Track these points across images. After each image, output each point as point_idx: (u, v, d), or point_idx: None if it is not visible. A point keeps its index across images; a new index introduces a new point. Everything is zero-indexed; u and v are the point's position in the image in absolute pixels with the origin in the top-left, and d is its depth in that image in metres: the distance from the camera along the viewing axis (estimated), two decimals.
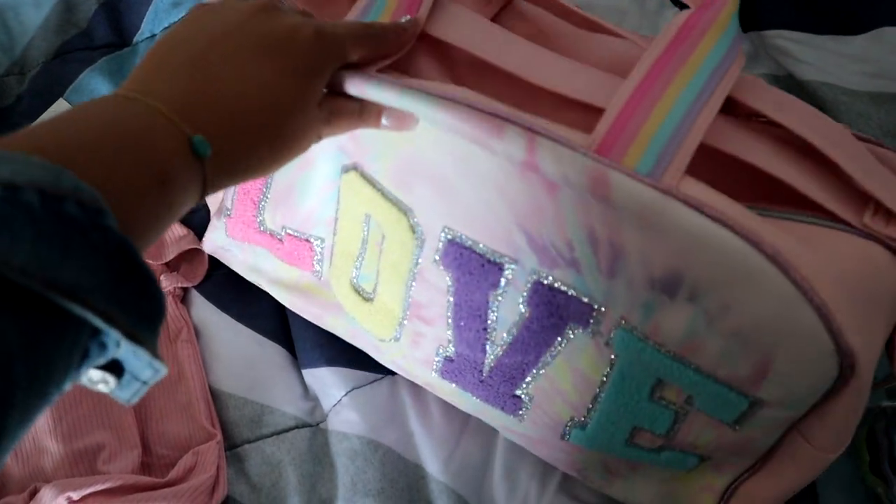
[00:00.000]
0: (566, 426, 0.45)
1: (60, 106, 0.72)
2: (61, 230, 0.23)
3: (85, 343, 0.25)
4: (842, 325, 0.34)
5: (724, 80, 0.37)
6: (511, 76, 0.41)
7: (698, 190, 0.35)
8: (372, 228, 0.46)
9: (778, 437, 0.42)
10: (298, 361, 0.60)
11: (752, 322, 0.35)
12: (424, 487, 0.55)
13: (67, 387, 0.25)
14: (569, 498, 0.53)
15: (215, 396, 0.60)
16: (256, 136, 0.34)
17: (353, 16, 0.43)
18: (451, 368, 0.47)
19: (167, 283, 0.62)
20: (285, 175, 0.49)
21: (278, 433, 0.58)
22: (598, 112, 0.37)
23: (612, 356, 0.41)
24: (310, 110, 0.36)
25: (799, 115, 0.38)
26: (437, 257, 0.43)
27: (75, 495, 0.53)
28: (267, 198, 0.51)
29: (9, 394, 0.22)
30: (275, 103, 0.34)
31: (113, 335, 0.25)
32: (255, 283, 0.59)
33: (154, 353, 0.26)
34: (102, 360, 0.26)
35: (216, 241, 0.58)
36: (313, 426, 0.58)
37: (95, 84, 0.73)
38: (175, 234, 0.64)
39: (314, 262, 0.52)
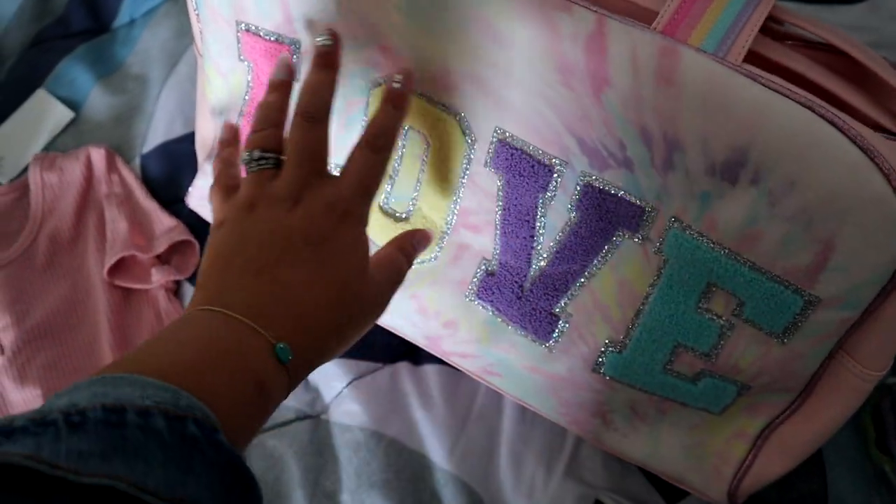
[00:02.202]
0: (601, 352, 0.44)
1: (39, 96, 0.70)
2: (185, 451, 0.26)
3: None
4: None
5: None
6: None
7: (760, 71, 0.36)
8: (410, 140, 0.45)
9: (824, 356, 0.41)
10: None
11: (818, 195, 0.35)
12: (430, 476, 0.54)
13: None
14: (576, 482, 0.53)
15: None
16: (327, 326, 0.35)
17: None
18: (489, 284, 0.46)
19: (159, 276, 0.61)
20: None
21: (279, 426, 0.57)
22: (655, 16, 0.38)
23: (661, 263, 0.40)
24: (366, 280, 0.37)
25: (835, 32, 0.39)
26: (488, 159, 0.43)
27: None
28: None
29: None
30: (334, 291, 0.35)
31: None
32: None
33: None
34: None
35: (206, 189, 0.56)
36: (314, 417, 0.57)
37: (75, 73, 0.71)
38: (165, 226, 0.63)
39: None
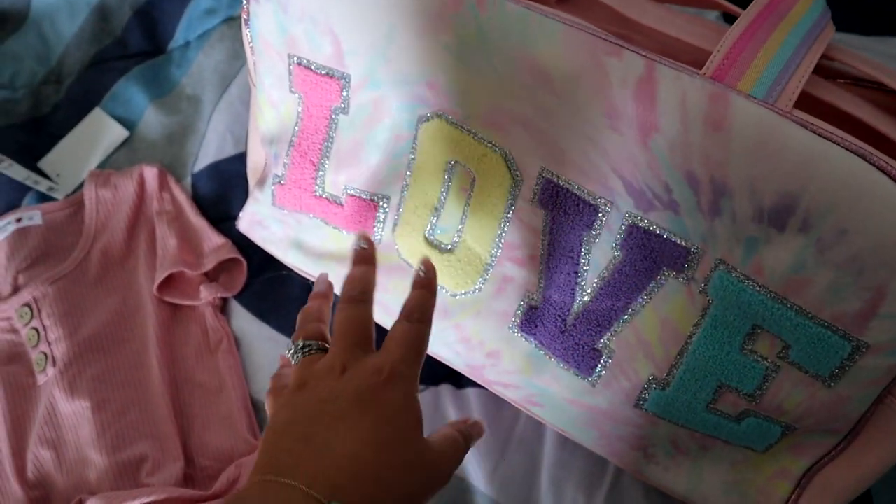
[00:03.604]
0: (644, 388, 0.44)
1: (97, 114, 0.72)
2: None
3: None
4: None
5: (823, 33, 0.39)
6: (615, 13, 0.42)
7: (810, 118, 0.35)
8: (457, 174, 0.46)
9: (872, 400, 0.40)
10: None
11: (869, 244, 0.34)
12: (470, 501, 0.54)
13: None
14: None
15: (257, 408, 0.60)
16: (380, 485, 0.35)
17: None
18: (532, 318, 0.47)
19: (206, 294, 0.62)
20: (351, 132, 0.48)
21: None
22: (705, 55, 0.38)
23: (706, 304, 0.40)
24: (420, 440, 0.37)
25: (885, 70, 0.39)
26: (534, 196, 0.43)
27: None
28: (328, 158, 0.50)
29: None
30: (385, 452, 0.36)
31: None
32: (293, 265, 0.58)
33: None
34: None
35: (256, 215, 0.57)
36: None
37: (131, 93, 0.73)
38: (213, 244, 0.64)
39: (375, 224, 0.51)
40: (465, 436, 0.41)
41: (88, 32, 0.76)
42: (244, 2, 0.48)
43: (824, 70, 0.40)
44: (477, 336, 0.50)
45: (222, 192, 0.68)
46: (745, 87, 0.36)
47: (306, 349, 0.40)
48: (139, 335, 0.63)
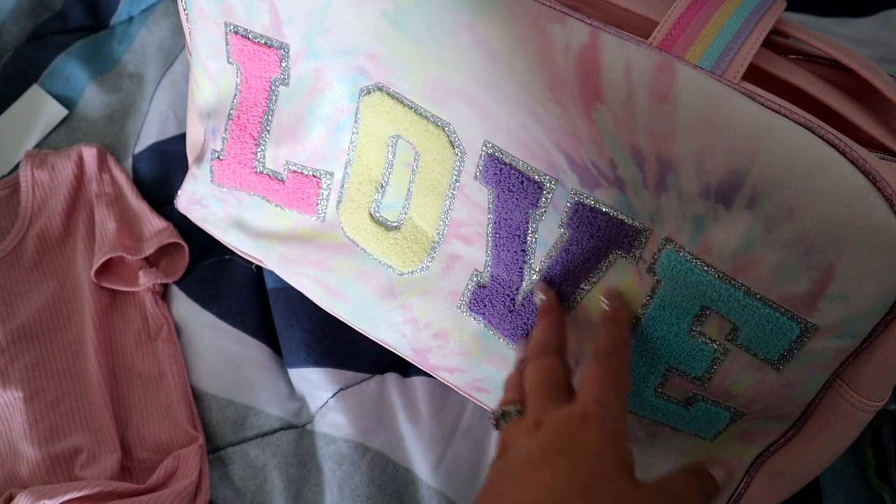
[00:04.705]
0: None
1: (34, 91, 0.69)
2: None
3: None
4: None
5: (775, 5, 0.37)
6: None
7: (758, 89, 0.34)
8: (400, 149, 0.44)
9: (821, 385, 0.40)
10: (284, 361, 0.58)
11: (817, 222, 0.33)
12: (414, 492, 0.53)
13: None
14: None
15: (197, 397, 0.58)
16: None
17: None
18: (481, 297, 0.46)
19: (146, 280, 0.60)
20: (291, 104, 0.47)
21: (263, 435, 0.56)
22: (653, 25, 0.37)
23: (654, 284, 0.39)
24: (626, 480, 0.34)
25: (840, 48, 0.38)
26: (478, 173, 0.42)
27: (52, 503, 0.51)
28: (268, 132, 0.48)
29: None
30: (586, 493, 0.33)
31: None
32: (235, 246, 0.56)
33: None
34: None
35: (195, 194, 0.55)
36: (299, 427, 0.56)
37: (70, 69, 0.70)
38: (154, 227, 0.62)
39: (318, 202, 0.50)
40: (707, 483, 0.38)
41: (26, 6, 0.73)
42: None
43: (778, 46, 0.39)
44: (424, 316, 0.48)
45: (164, 174, 0.65)
46: (693, 58, 0.35)
47: (506, 416, 0.39)
48: (76, 322, 0.60)
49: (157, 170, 0.65)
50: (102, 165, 0.65)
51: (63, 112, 0.69)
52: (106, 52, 0.71)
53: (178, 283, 0.62)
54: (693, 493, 0.36)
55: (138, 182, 0.65)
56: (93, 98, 0.69)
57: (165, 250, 0.62)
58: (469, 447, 0.54)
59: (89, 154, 0.65)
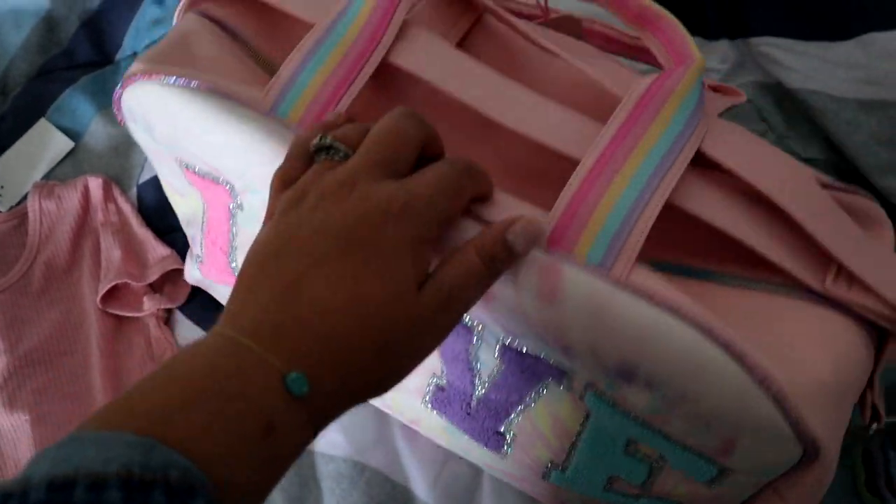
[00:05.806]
0: (546, 467, 0.44)
1: (42, 125, 0.71)
2: None
3: None
4: (801, 414, 0.33)
5: (685, 150, 0.36)
6: (475, 115, 0.40)
7: (649, 280, 0.34)
8: None
9: (752, 493, 0.41)
10: None
11: (710, 411, 0.35)
12: None
13: None
14: None
15: None
16: (360, 353, 0.29)
17: (308, 42, 0.41)
18: (441, 398, 0.46)
19: (150, 305, 0.61)
20: (249, 226, 0.46)
21: None
22: (576, 164, 0.37)
23: (587, 411, 0.40)
24: (413, 297, 0.30)
25: (764, 166, 0.37)
26: None
27: None
28: (235, 248, 0.48)
29: None
30: (367, 311, 0.29)
31: None
32: None
33: None
34: None
35: (195, 277, 0.57)
36: None
37: (77, 103, 0.72)
38: (158, 255, 0.64)
39: None
40: (489, 257, 0.32)
41: (35, 43, 0.75)
42: (115, 112, 0.47)
43: (705, 159, 0.38)
44: (397, 406, 0.50)
45: (168, 203, 0.67)
46: (586, 245, 0.35)
47: (331, 151, 0.32)
48: (82, 347, 0.62)
49: (160, 199, 0.67)
50: (108, 195, 0.67)
51: (70, 144, 0.71)
52: (111, 86, 0.73)
53: (182, 308, 0.63)
54: (469, 279, 0.32)
55: (142, 211, 0.67)
56: (98, 131, 0.71)
57: (169, 276, 0.64)
58: (465, 466, 0.54)
59: (95, 184, 0.67)
